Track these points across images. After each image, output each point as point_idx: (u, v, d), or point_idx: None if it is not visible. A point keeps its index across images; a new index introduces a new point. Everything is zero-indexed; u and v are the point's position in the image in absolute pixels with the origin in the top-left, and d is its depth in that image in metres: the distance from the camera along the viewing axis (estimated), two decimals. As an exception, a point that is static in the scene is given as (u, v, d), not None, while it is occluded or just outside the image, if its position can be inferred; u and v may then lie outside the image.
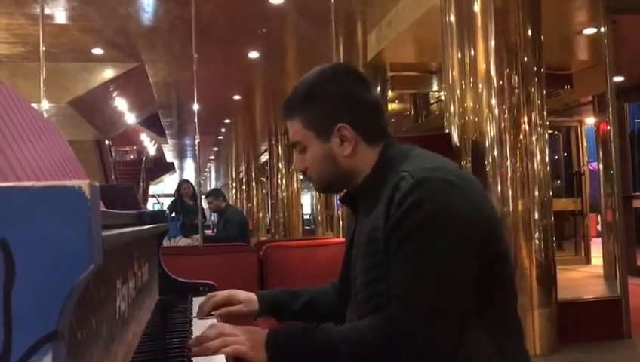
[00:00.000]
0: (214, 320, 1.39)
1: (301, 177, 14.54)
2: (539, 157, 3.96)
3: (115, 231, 0.72)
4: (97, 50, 7.77)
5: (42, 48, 5.21)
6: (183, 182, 7.66)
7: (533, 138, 3.95)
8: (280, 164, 14.45)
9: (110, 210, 0.87)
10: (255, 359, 1.10)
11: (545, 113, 4.06)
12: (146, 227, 1.22)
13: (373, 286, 1.14)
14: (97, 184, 0.50)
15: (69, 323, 0.51)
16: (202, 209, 6.84)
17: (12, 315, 0.47)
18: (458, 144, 4.05)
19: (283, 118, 1.30)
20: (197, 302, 1.55)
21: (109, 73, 8.53)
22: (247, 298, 1.44)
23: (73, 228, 0.48)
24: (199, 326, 1.29)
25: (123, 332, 0.92)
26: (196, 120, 6.51)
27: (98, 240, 0.50)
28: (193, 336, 1.20)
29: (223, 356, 1.07)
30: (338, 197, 7.90)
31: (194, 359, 1.04)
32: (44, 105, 5.56)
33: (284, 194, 14.41)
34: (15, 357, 0.47)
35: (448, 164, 1.20)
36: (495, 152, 3.91)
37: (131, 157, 23.93)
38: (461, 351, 1.09)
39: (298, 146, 1.27)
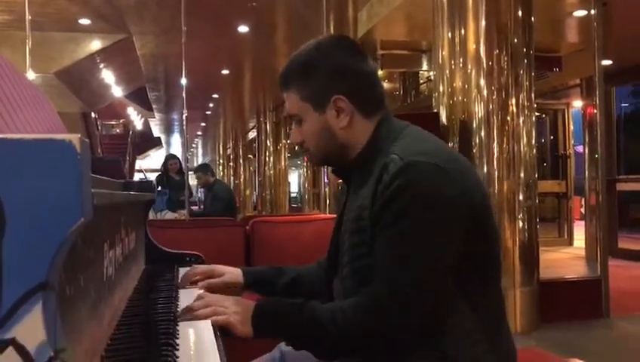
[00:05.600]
0: (200, 291, 1.40)
1: (295, 150, 14.51)
2: (525, 139, 3.99)
3: (105, 190, 0.72)
4: (84, 21, 7.66)
5: (28, 17, 5.13)
6: (170, 157, 7.59)
7: (521, 120, 3.97)
8: (268, 142, 14.44)
9: (98, 176, 0.87)
10: (242, 333, 1.12)
11: (533, 95, 4.08)
12: (133, 193, 1.23)
13: (358, 262, 1.16)
14: (87, 140, 0.51)
15: (58, 278, 0.52)
16: (189, 184, 6.82)
17: (3, 265, 0.48)
18: (446, 124, 4.07)
19: (280, 88, 1.28)
20: (183, 272, 1.56)
21: (96, 44, 8.42)
22: (231, 271, 1.45)
23: (63, 181, 0.49)
24: (185, 295, 1.30)
25: (110, 295, 0.93)
26: (184, 94, 6.47)
27: (88, 194, 0.51)
28: (179, 304, 1.21)
29: (209, 322, 1.08)
30: (326, 175, 7.83)
31: (180, 324, 1.06)
32: (30, 75, 5.49)
33: (271, 172, 14.42)
34: (6, 305, 0.48)
35: (439, 145, 1.20)
36: (482, 133, 3.93)
37: (118, 131, 23.69)
38: (443, 326, 1.11)
39: (294, 118, 1.26)
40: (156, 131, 22.44)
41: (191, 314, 1.11)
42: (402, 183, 1.08)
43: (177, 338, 0.95)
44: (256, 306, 1.15)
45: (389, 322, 1.07)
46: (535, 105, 4.19)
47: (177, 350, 0.89)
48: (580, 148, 8.63)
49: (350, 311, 1.09)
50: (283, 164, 14.51)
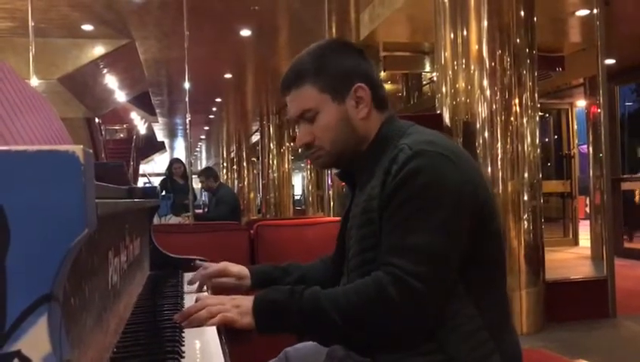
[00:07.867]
0: (205, 294, 1.41)
1: (300, 151, 14.49)
2: (529, 139, 3.98)
3: (109, 200, 0.72)
4: (87, 27, 7.68)
5: (31, 24, 5.15)
6: (175, 161, 7.61)
7: (524, 120, 3.96)
8: (271, 144, 14.44)
9: (102, 183, 0.87)
10: (243, 325, 1.11)
11: (536, 95, 4.07)
12: (137, 200, 1.23)
13: (365, 255, 1.16)
14: (90, 150, 0.51)
15: (63, 288, 0.52)
16: (193, 188, 6.83)
17: (7, 278, 0.48)
18: (449, 125, 4.06)
19: (286, 89, 1.25)
20: (188, 277, 1.56)
21: (99, 50, 8.44)
22: (239, 272, 1.46)
23: (67, 193, 0.49)
24: (190, 301, 1.30)
25: (115, 303, 0.93)
26: (187, 98, 6.47)
27: (92, 205, 0.51)
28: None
29: (214, 328, 1.08)
30: (330, 177, 7.84)
31: (185, 330, 1.05)
32: (34, 81, 5.50)
33: (275, 175, 14.42)
34: (11, 318, 0.48)
35: (446, 140, 1.21)
36: (486, 134, 3.92)
37: (121, 135, 23.71)
38: (449, 323, 1.11)
39: (308, 114, 1.23)
40: (160, 135, 22.45)
41: (191, 319, 1.10)
42: (411, 169, 1.09)
43: (183, 346, 0.95)
44: (257, 296, 1.15)
45: (390, 309, 1.06)
46: (538, 105, 4.18)
47: (183, 357, 0.89)
48: (584, 148, 8.60)
49: (354, 296, 1.09)
50: (287, 166, 14.51)
